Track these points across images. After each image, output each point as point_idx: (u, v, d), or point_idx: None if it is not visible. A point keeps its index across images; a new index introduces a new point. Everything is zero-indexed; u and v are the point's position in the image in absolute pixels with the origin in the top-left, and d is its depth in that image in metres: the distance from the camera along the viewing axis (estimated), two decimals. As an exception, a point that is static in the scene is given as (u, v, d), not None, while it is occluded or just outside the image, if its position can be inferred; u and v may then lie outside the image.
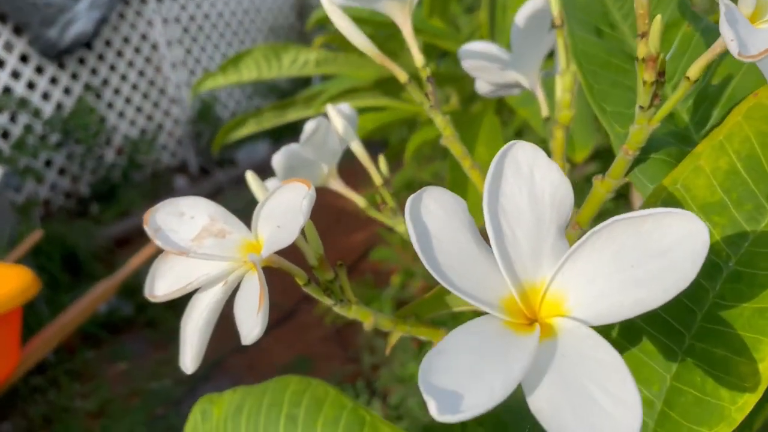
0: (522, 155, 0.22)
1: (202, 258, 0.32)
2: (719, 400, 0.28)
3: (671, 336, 0.30)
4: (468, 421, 0.52)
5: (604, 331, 0.32)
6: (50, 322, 1.72)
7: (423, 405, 1.69)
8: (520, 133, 1.21)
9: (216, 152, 1.18)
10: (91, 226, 2.48)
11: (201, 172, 3.01)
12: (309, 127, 0.45)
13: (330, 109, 0.47)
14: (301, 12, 3.53)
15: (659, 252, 0.20)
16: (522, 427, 0.50)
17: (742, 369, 0.27)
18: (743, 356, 0.27)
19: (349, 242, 2.45)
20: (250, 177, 0.35)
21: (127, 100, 2.84)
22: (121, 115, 2.82)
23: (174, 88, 2.97)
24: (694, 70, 0.28)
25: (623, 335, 0.32)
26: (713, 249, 0.29)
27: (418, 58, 0.40)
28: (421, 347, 1.79)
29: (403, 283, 1.99)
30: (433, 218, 0.22)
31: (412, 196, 0.22)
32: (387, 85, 0.97)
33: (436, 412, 0.18)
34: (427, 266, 0.21)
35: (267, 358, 1.98)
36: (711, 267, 0.29)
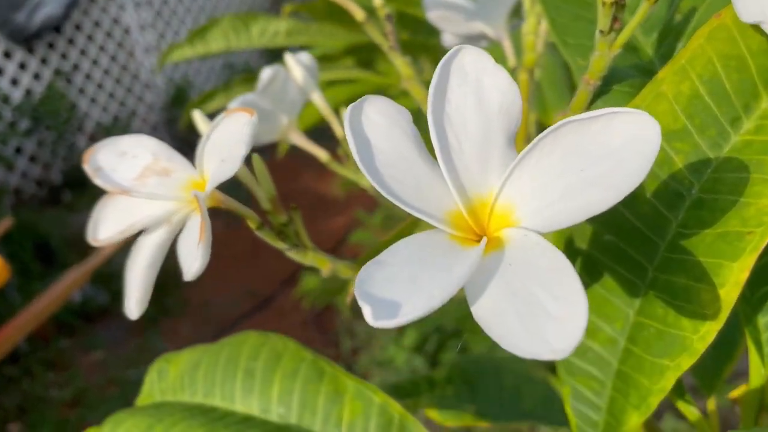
0: (468, 60, 0.21)
1: (146, 197, 0.30)
2: (681, 330, 0.27)
3: (634, 270, 0.29)
4: (436, 377, 0.51)
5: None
6: (22, 311, 1.68)
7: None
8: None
9: (185, 129, 1.15)
10: (64, 213, 2.43)
11: (177, 159, 2.97)
12: (265, 75, 0.43)
13: (288, 57, 0.45)
14: (278, -4, 3.49)
15: (608, 152, 0.19)
16: (489, 384, 0.49)
17: (704, 296, 0.26)
18: (704, 282, 0.26)
19: (328, 227, 2.43)
20: (197, 115, 0.33)
21: (99, 86, 2.78)
22: (93, 101, 2.76)
23: (147, 73, 2.91)
24: (654, -11, 0.27)
25: (585, 272, 0.31)
26: (676, 177, 0.29)
27: (376, -1, 0.39)
28: (401, 330, 1.78)
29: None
30: (374, 128, 0.21)
31: (351, 104, 0.21)
32: (359, 53, 0.96)
33: (371, 317, 0.17)
34: (368, 177, 0.20)
35: (245, 343, 1.96)
36: (674, 196, 0.28)
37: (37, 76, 2.57)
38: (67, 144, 2.64)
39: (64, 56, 2.66)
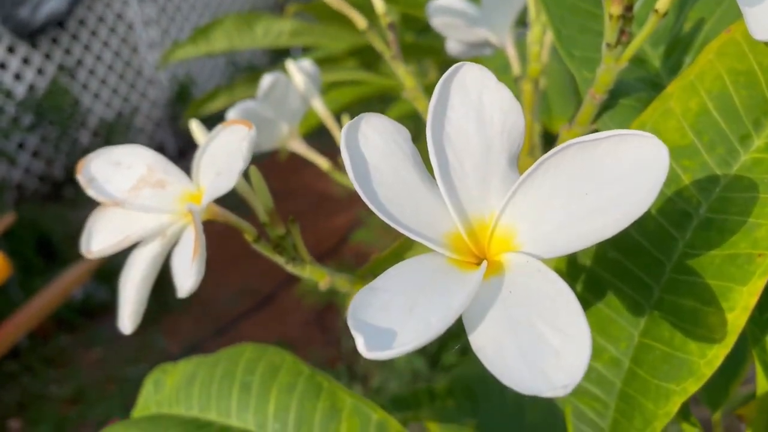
0: (470, 78, 0.20)
1: (139, 210, 0.30)
2: (688, 354, 0.26)
3: (639, 289, 0.29)
4: (437, 388, 0.51)
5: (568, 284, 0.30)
6: (24, 307, 1.68)
7: (404, 387, 1.68)
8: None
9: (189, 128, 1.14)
10: (66, 209, 2.43)
11: (179, 155, 2.96)
12: (266, 82, 0.43)
13: (290, 64, 0.45)
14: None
15: (615, 177, 0.18)
16: (491, 396, 0.49)
17: (711, 320, 0.26)
18: (712, 306, 0.26)
19: (330, 226, 2.42)
20: (194, 125, 0.33)
21: (103, 82, 2.77)
22: (96, 96, 2.76)
23: (151, 69, 2.91)
24: (663, 3, 0.26)
25: (589, 290, 0.30)
26: (683, 196, 0.28)
27: (379, 5, 0.38)
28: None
29: (383, 265, 1.97)
30: (371, 147, 0.20)
31: (348, 123, 0.20)
32: (363, 55, 0.95)
33: (364, 348, 0.16)
34: (364, 198, 0.19)
35: (246, 342, 1.96)
36: (681, 215, 0.28)
37: (40, 72, 2.56)
38: (70, 140, 2.64)
39: (67, 51, 2.65)
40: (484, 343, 0.17)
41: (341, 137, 0.20)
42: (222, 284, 2.11)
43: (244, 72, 3.19)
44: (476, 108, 0.20)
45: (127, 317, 0.29)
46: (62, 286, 1.71)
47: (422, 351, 1.71)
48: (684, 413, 0.32)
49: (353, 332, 0.16)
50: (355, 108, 1.14)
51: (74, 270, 1.73)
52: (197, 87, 3.05)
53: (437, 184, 0.20)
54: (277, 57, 3.09)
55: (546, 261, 0.22)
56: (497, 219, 0.20)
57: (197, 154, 0.29)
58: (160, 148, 2.99)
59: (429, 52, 1.00)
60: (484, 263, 0.19)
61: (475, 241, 0.20)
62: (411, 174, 0.20)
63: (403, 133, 0.21)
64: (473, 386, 0.50)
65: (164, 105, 2.98)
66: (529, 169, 0.19)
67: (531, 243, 0.19)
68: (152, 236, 0.30)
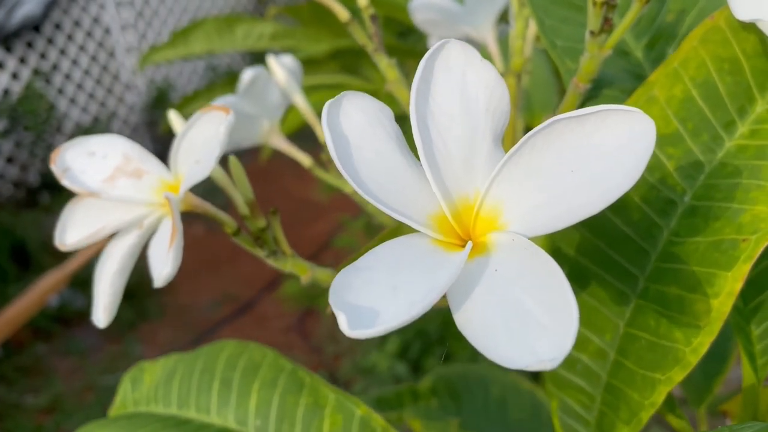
0: (454, 55, 0.20)
1: (115, 200, 0.29)
2: (673, 342, 0.26)
3: (624, 279, 0.29)
4: (421, 388, 0.50)
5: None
6: (-3, 315, 1.64)
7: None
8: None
9: (166, 132, 1.13)
10: (41, 216, 2.39)
11: (158, 161, 2.93)
12: (246, 76, 0.42)
13: (270, 59, 0.44)
14: (263, -1, 3.47)
15: (602, 153, 0.18)
16: (475, 395, 0.48)
17: (696, 307, 0.25)
18: (698, 293, 0.25)
19: (310, 232, 2.41)
20: (172, 115, 0.32)
21: (79, 86, 2.73)
22: (72, 101, 2.72)
23: (128, 73, 2.87)
24: (647, -11, 0.26)
25: (573, 280, 0.30)
26: (668, 184, 0.28)
27: (361, -3, 0.37)
28: (384, 336, 1.77)
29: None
30: (353, 126, 0.20)
31: (329, 101, 0.20)
32: (344, 58, 0.94)
33: (346, 326, 0.15)
34: (346, 177, 0.19)
35: (226, 348, 1.93)
36: (666, 203, 0.28)
37: (15, 76, 2.52)
38: (46, 145, 2.59)
39: (43, 56, 2.61)
40: (469, 320, 0.16)
41: (322, 115, 0.19)
42: (201, 291, 2.08)
43: (223, 77, 3.16)
44: (460, 85, 0.20)
45: (102, 310, 0.28)
46: (38, 294, 1.67)
47: (404, 356, 1.70)
48: (669, 406, 0.31)
49: (335, 310, 0.16)
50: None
51: (50, 277, 1.70)
52: (175, 92, 3.03)
53: (421, 164, 0.20)
54: (256, 61, 3.07)
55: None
56: (482, 198, 0.19)
57: (175, 142, 0.28)
58: (138, 154, 2.95)
59: (410, 55, 1.00)
60: (469, 244, 0.18)
61: (460, 221, 0.20)
62: (394, 153, 0.20)
63: (385, 112, 0.20)
64: (456, 385, 0.49)
65: (142, 110, 2.95)
66: (515, 146, 0.19)
67: (517, 221, 0.19)
68: (129, 227, 0.29)
